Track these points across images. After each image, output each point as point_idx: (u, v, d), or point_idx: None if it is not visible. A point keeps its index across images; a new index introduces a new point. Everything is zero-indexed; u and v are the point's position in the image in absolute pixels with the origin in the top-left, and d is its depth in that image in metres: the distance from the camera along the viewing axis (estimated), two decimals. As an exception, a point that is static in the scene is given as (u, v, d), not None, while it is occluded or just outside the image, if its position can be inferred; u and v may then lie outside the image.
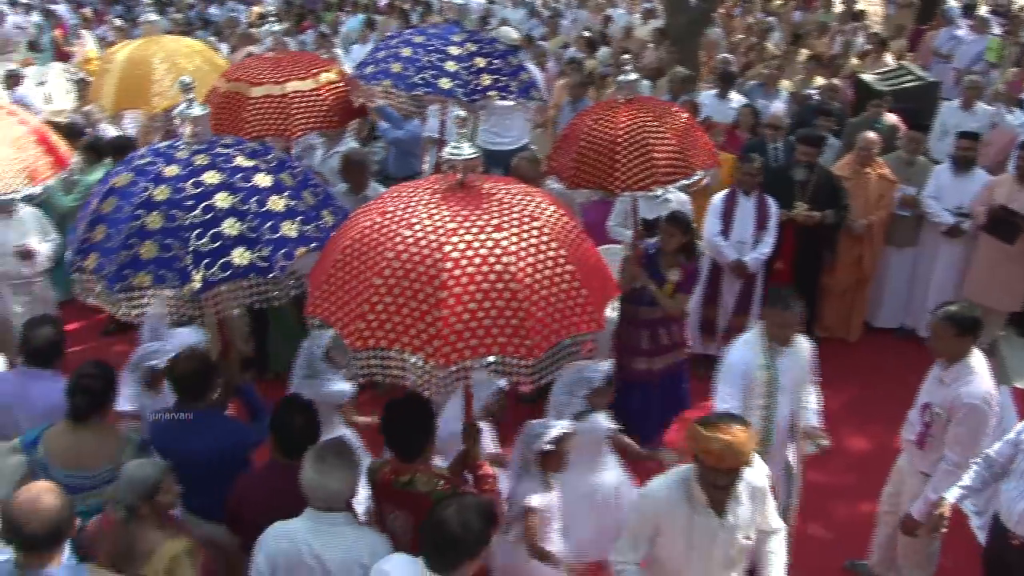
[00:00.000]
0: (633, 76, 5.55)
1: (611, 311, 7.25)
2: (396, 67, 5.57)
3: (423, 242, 3.18)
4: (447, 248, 3.15)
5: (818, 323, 7.76)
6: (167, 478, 3.63)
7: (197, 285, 3.53)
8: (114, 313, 3.74)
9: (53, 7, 19.93)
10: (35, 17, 19.04)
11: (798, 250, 7.38)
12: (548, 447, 4.31)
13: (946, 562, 5.10)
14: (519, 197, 3.49)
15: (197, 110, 3.99)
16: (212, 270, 3.56)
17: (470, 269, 3.12)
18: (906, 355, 7.53)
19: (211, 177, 3.76)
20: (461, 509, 3.21)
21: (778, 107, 9.52)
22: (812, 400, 5.01)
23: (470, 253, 3.15)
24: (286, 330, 6.78)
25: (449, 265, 3.11)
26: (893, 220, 7.81)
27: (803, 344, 4.98)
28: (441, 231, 3.21)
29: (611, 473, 5.05)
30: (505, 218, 3.30)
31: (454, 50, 5.61)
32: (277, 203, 3.80)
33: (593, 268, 3.54)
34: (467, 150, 3.51)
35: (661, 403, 6.24)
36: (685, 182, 5.46)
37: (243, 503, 3.91)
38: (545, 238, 3.30)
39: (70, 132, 7.94)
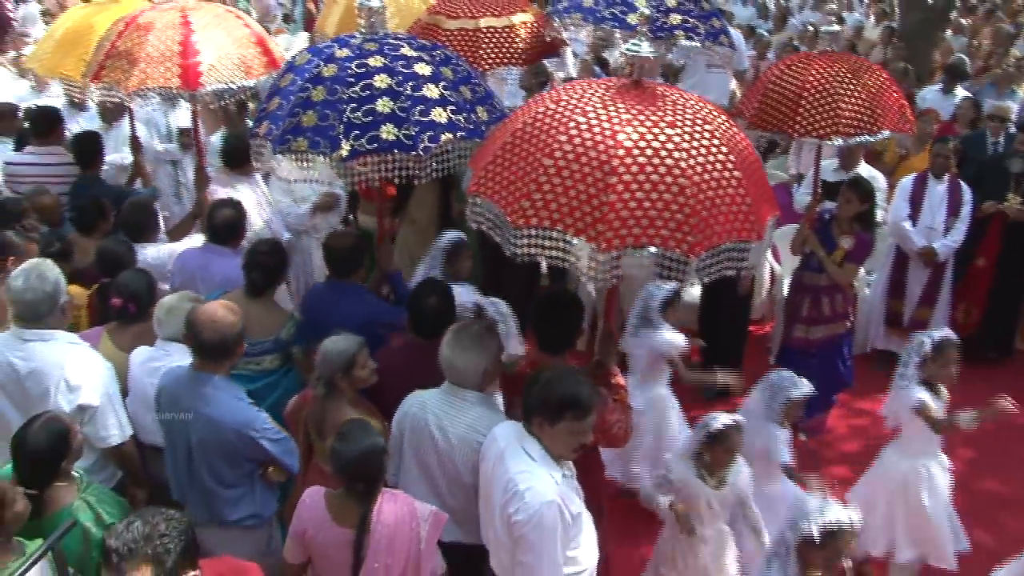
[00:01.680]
0: (836, 27, 5.36)
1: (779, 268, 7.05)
2: (587, 2, 5.68)
3: (596, 128, 3.21)
4: (620, 136, 3.18)
5: (1021, 333, 7.20)
6: (362, 352, 3.86)
7: (345, 152, 3.79)
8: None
9: None
10: None
11: (1004, 247, 6.89)
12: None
13: None
14: (692, 102, 3.50)
15: (375, 3, 4.27)
16: (360, 141, 3.81)
17: (641, 159, 3.13)
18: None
19: (375, 61, 4.01)
20: (569, 372, 3.28)
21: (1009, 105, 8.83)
22: None
23: (642, 144, 3.16)
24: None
25: (621, 152, 3.13)
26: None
27: None
28: (615, 120, 3.24)
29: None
30: (678, 117, 3.31)
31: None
32: (432, 90, 3.98)
33: (759, 180, 3.52)
34: (646, 48, 3.54)
35: (818, 378, 5.93)
36: (870, 139, 5.21)
37: (382, 375, 4.08)
38: (716, 141, 3.29)
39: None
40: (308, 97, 3.93)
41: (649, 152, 3.14)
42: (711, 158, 3.23)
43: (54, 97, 8.11)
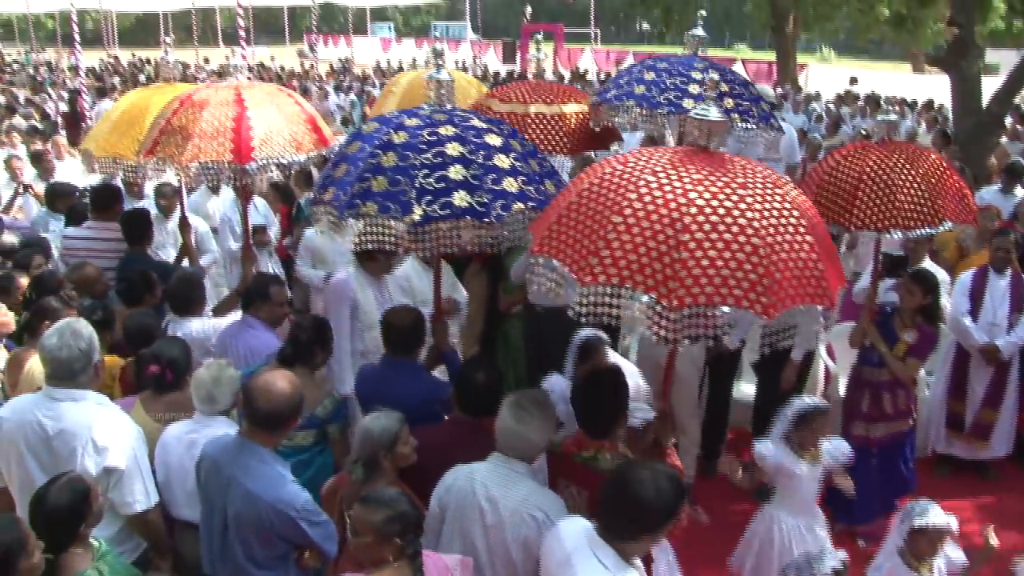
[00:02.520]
0: (893, 116, 5.30)
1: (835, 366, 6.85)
2: (640, 89, 5.70)
3: (667, 187, 3.20)
4: (691, 195, 3.16)
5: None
6: (404, 428, 3.74)
7: (417, 217, 3.73)
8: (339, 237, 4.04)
9: (371, 89, 22.61)
10: (352, 96, 22.15)
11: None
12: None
13: None
14: (761, 168, 3.49)
15: (444, 75, 4.29)
16: (432, 206, 3.75)
17: (713, 218, 3.11)
18: None
19: (446, 130, 4.00)
20: (655, 475, 3.03)
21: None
22: None
23: (714, 203, 3.14)
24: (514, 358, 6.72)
25: (693, 211, 3.11)
26: None
27: None
28: (686, 179, 3.22)
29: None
30: (749, 179, 3.29)
31: (697, 75, 5.67)
32: (503, 161, 3.96)
33: (829, 249, 3.47)
34: (714, 112, 3.53)
35: (879, 479, 5.70)
36: (931, 231, 5.05)
37: (423, 452, 3.94)
38: (787, 205, 3.27)
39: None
40: (378, 163, 3.90)
41: (721, 211, 3.13)
42: (783, 220, 3.20)
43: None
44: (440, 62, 4.33)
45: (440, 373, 4.86)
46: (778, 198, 3.26)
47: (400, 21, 70.58)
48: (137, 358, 4.80)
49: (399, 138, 3.96)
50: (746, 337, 6.13)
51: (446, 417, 4.26)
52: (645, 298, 3.04)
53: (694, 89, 5.54)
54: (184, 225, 6.84)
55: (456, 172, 3.81)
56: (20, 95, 20.20)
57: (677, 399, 5.49)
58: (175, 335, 5.00)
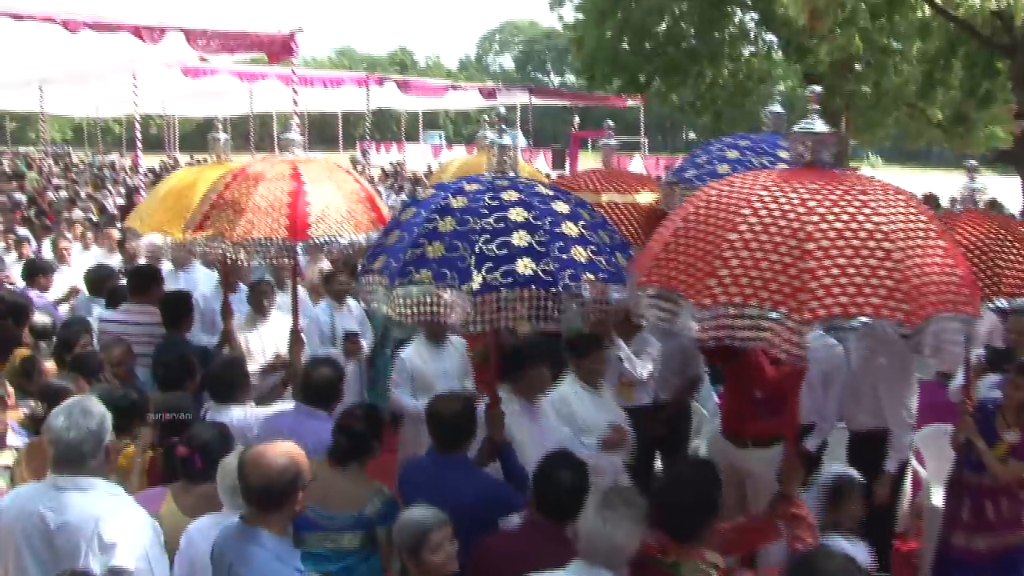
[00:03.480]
0: (978, 184, 4.91)
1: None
2: (723, 168, 5.30)
3: (782, 199, 3.06)
4: (811, 203, 3.01)
5: None
6: (439, 531, 3.33)
7: (476, 286, 3.40)
8: (390, 312, 3.62)
9: (422, 190, 22.57)
10: (403, 196, 21.76)
11: None
12: None
13: None
14: (875, 179, 3.33)
15: (508, 140, 4.01)
16: (494, 274, 3.43)
17: (837, 224, 2.96)
18: None
19: (509, 195, 3.72)
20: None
21: None
22: None
23: (836, 210, 2.99)
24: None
25: (815, 219, 2.97)
26: None
27: None
28: (802, 190, 3.08)
29: None
30: (868, 186, 3.13)
31: (784, 154, 5.24)
32: (571, 228, 3.66)
33: (961, 257, 3.28)
34: (820, 124, 3.34)
35: (992, 600, 5.06)
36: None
37: (491, 567, 3.50)
38: (913, 209, 3.12)
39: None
40: (435, 228, 3.60)
41: (845, 217, 2.98)
42: (911, 225, 3.04)
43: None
44: (503, 127, 4.05)
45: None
46: (902, 203, 3.10)
47: (451, 130, 72.12)
48: (167, 447, 4.39)
49: (458, 203, 3.66)
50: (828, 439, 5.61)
51: (517, 519, 3.80)
52: (774, 314, 2.86)
53: (784, 154, 5.15)
54: (227, 311, 6.56)
55: (520, 238, 3.50)
56: (82, 192, 20.60)
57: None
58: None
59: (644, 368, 6.04)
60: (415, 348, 6.04)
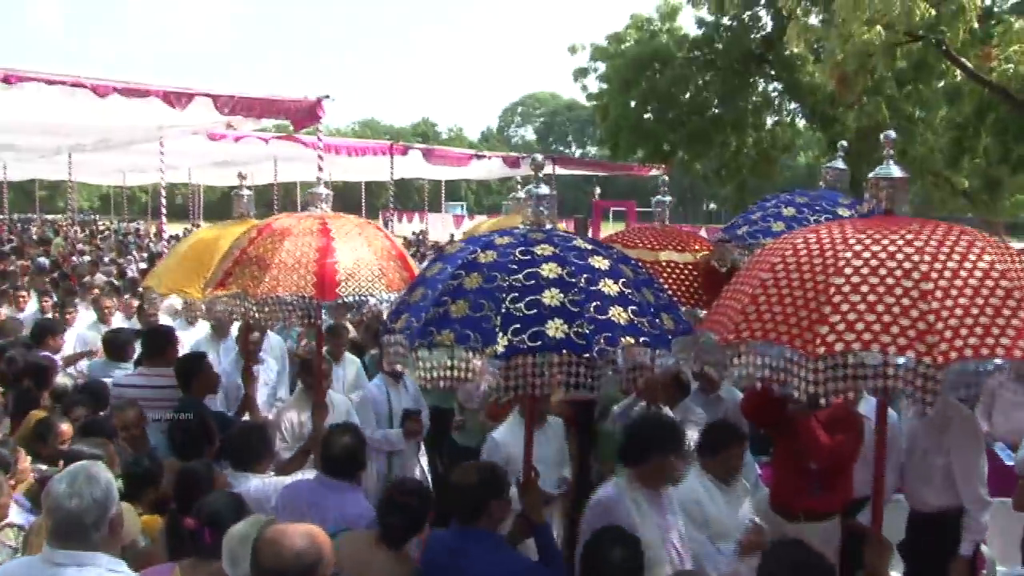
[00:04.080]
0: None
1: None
2: (778, 226, 5.01)
3: (884, 241, 2.95)
4: (917, 243, 2.91)
5: None
6: None
7: (501, 349, 3.11)
8: (412, 375, 3.37)
9: None
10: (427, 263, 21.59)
11: None
12: None
13: None
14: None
15: (544, 189, 3.78)
16: (521, 336, 3.14)
17: (951, 264, 2.85)
18: None
19: (543, 249, 3.44)
20: None
21: None
22: None
23: (945, 250, 2.90)
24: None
25: (927, 258, 2.87)
26: None
27: None
28: (898, 234, 2.97)
29: None
30: (961, 234, 3.00)
31: (844, 212, 5.00)
32: (610, 287, 3.35)
33: None
34: (896, 169, 3.24)
35: None
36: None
37: None
38: (1012, 250, 3.03)
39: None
40: (460, 284, 3.34)
41: (956, 257, 2.87)
42: (1017, 265, 2.94)
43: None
44: (541, 175, 3.81)
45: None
46: (1001, 245, 3.00)
47: (472, 200, 72.50)
48: (171, 512, 4.12)
49: (487, 257, 3.41)
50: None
51: None
52: (901, 360, 2.70)
53: (844, 212, 4.91)
54: (248, 375, 6.35)
55: (551, 297, 3.22)
56: (106, 257, 20.65)
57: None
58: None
59: (691, 438, 5.79)
60: (509, 429, 5.44)
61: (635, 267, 3.67)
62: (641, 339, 3.24)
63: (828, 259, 2.96)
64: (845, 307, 2.81)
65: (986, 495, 4.97)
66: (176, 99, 11.16)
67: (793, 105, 28.17)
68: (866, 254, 2.91)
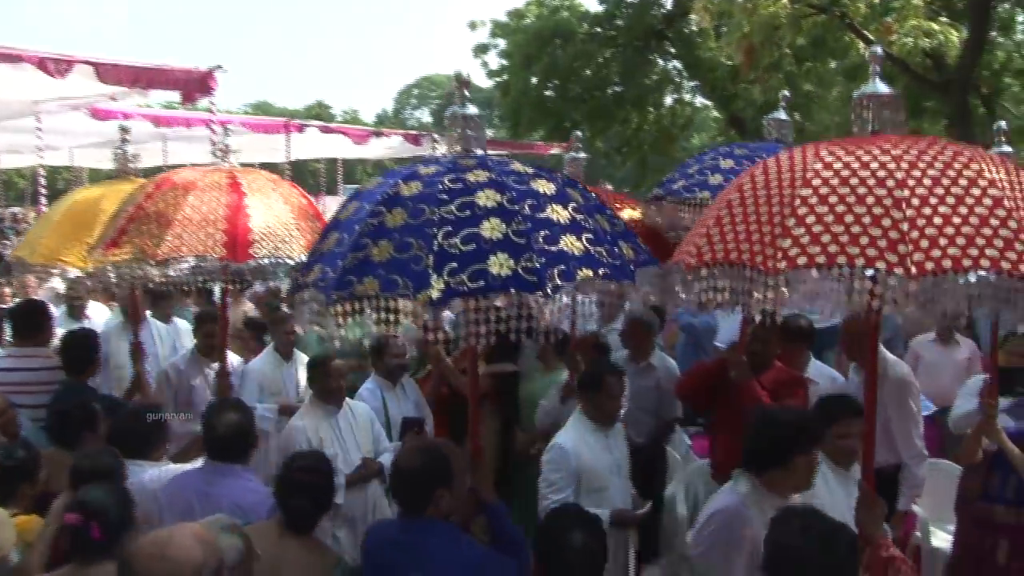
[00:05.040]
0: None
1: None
2: (716, 179, 4.85)
3: (860, 152, 2.70)
4: (895, 152, 2.67)
5: None
6: None
7: (435, 294, 2.64)
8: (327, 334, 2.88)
9: None
10: None
11: None
12: None
13: None
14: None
15: (471, 109, 3.31)
16: (459, 276, 2.68)
17: (932, 172, 2.61)
18: None
19: (477, 175, 2.97)
20: None
21: None
22: None
23: (927, 158, 2.65)
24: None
25: (904, 166, 2.63)
26: None
27: None
28: (880, 145, 2.73)
29: None
30: (947, 145, 2.77)
31: None
32: (559, 213, 2.92)
33: None
34: (881, 86, 2.98)
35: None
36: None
37: None
38: (1009, 166, 2.77)
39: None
40: (381, 223, 2.85)
41: (939, 165, 2.65)
42: (1013, 177, 2.72)
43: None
44: (466, 92, 3.32)
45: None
46: (996, 158, 2.78)
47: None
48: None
49: (410, 189, 2.92)
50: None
51: None
52: (869, 272, 2.50)
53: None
54: (137, 352, 5.72)
55: (492, 228, 2.76)
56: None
57: None
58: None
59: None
60: (576, 433, 4.58)
61: (584, 192, 3.23)
62: (600, 271, 2.83)
63: (796, 172, 2.75)
64: (811, 219, 2.59)
65: (923, 448, 4.91)
66: (53, 66, 10.30)
67: (693, 83, 28.30)
68: (837, 164, 2.69)
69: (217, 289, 8.01)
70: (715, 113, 31.23)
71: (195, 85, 12.42)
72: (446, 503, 3.20)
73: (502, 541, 3.36)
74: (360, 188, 3.23)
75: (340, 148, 28.02)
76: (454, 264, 2.68)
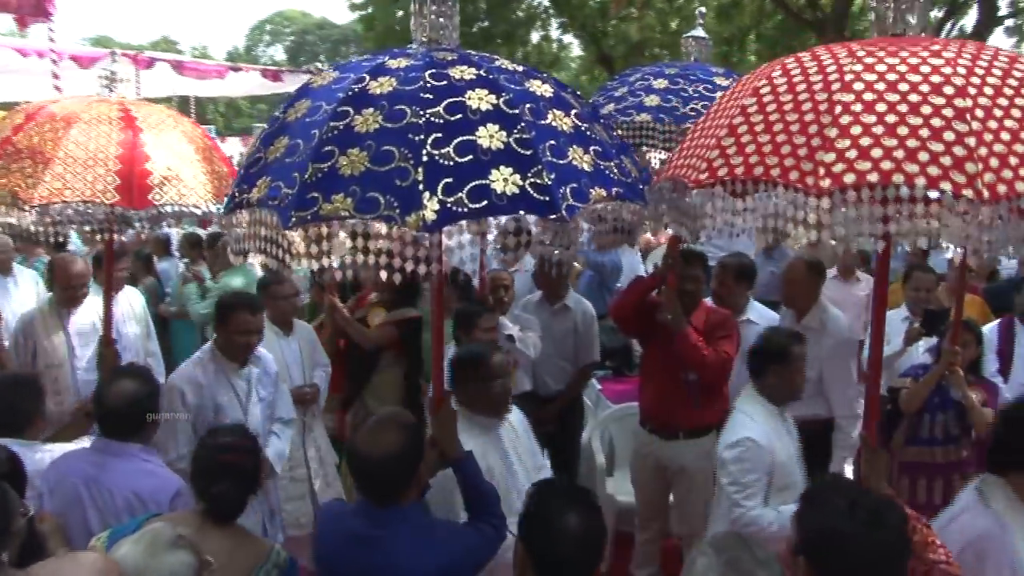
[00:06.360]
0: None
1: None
2: (652, 100, 4.42)
3: (904, 54, 2.31)
4: (946, 53, 2.30)
5: None
6: None
7: (431, 215, 2.09)
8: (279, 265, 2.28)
9: None
10: None
11: None
12: None
13: None
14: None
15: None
16: (457, 195, 2.13)
17: (991, 80, 2.24)
18: None
19: (461, 71, 2.39)
20: None
21: None
22: None
23: (983, 63, 2.28)
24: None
25: (962, 71, 2.25)
26: None
27: None
28: (925, 45, 2.36)
29: None
30: (999, 52, 2.41)
31: (721, 80, 4.47)
32: (562, 120, 2.40)
33: None
34: None
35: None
36: None
37: None
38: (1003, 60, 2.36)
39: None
40: (349, 126, 2.25)
41: (998, 72, 2.27)
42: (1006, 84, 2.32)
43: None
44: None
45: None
46: (987, 57, 2.38)
47: (221, 123, 68.29)
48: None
49: (382, 87, 2.32)
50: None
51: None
52: (933, 194, 2.14)
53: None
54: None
55: (490, 136, 2.22)
56: None
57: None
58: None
59: (534, 347, 5.03)
60: (762, 421, 3.72)
61: (576, 95, 2.71)
62: (613, 190, 2.34)
63: (831, 75, 2.32)
64: (857, 129, 2.18)
65: (859, 409, 4.57)
66: None
67: (561, 20, 27.94)
68: (880, 67, 2.28)
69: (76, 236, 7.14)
70: (577, 52, 30.96)
71: (31, 8, 11.17)
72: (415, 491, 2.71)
73: (475, 501, 2.88)
74: (309, 82, 2.58)
75: (193, 86, 26.29)
76: (449, 179, 2.14)
